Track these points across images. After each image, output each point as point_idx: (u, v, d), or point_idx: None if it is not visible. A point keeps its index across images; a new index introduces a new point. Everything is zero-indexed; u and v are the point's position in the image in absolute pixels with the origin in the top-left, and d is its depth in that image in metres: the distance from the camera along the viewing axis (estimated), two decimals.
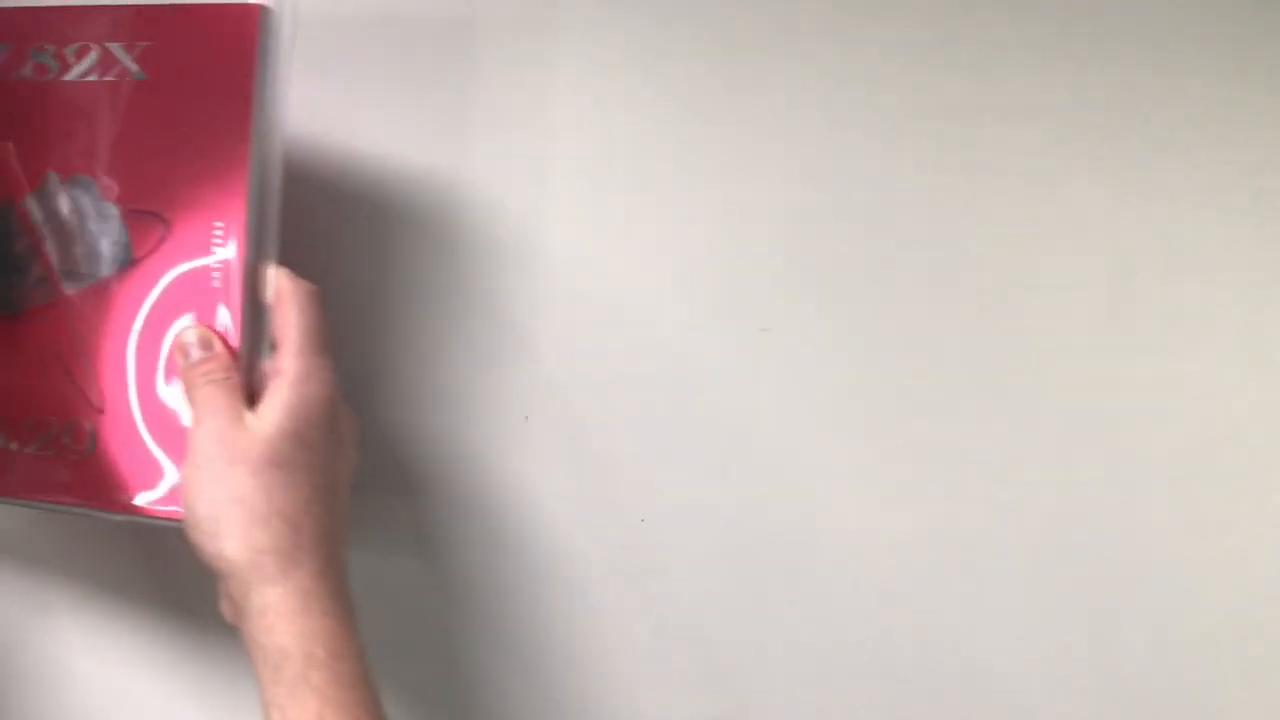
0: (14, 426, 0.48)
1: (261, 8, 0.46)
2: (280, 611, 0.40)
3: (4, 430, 0.48)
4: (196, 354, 0.45)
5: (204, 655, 0.55)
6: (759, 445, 0.54)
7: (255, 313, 0.47)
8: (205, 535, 0.42)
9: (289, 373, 0.44)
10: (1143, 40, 0.52)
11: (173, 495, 0.46)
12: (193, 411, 0.44)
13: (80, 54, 0.48)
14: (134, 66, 0.48)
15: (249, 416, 0.43)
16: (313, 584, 0.41)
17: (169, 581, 0.55)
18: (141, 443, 0.47)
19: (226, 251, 0.47)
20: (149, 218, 0.48)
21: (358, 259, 0.54)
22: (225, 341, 0.46)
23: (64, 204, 0.49)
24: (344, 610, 0.41)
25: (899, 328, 0.53)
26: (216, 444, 0.42)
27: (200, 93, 0.47)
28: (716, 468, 0.54)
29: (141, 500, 0.47)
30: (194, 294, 0.47)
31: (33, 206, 0.49)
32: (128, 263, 0.48)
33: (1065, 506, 0.53)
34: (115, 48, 0.48)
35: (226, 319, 0.46)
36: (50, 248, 0.49)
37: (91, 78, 0.48)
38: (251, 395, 0.45)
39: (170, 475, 0.46)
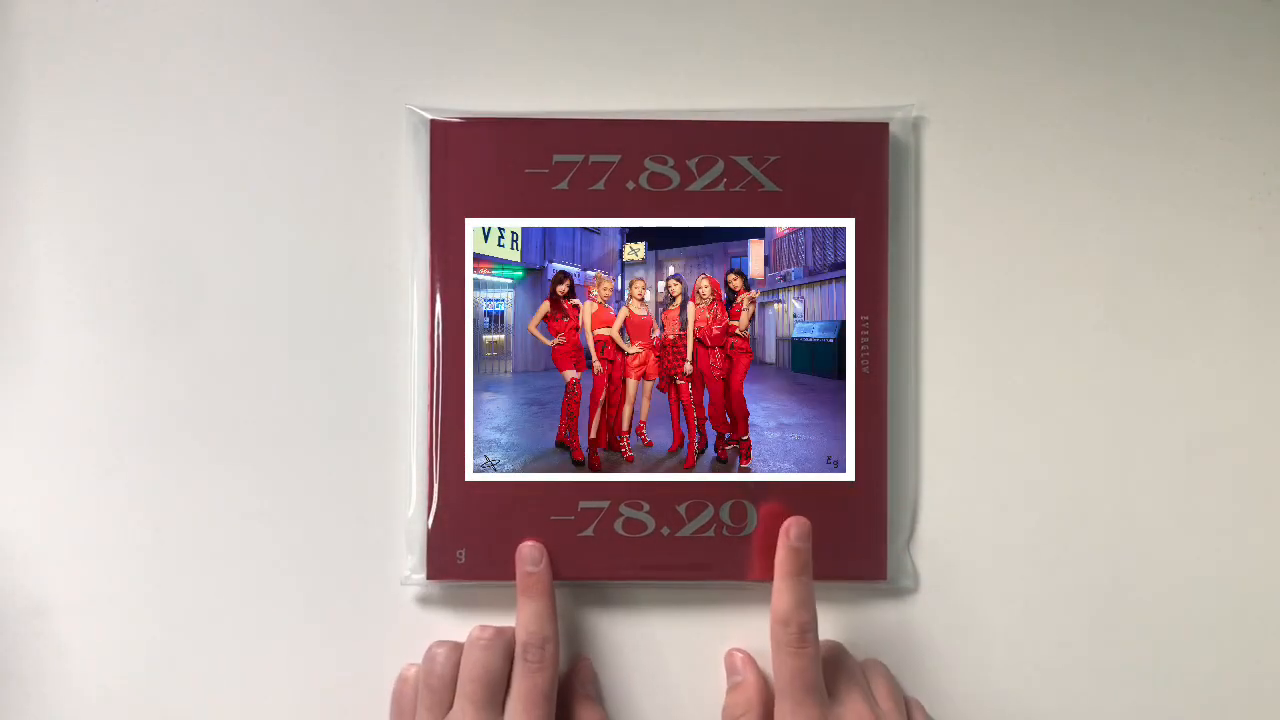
0: None
1: (885, 126, 0.52)
2: None
3: None
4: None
5: None
6: None
7: None
8: None
9: None
10: (1144, 38, 0.54)
11: None
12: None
13: (703, 166, 0.51)
14: (764, 179, 0.51)
15: None
16: None
17: None
18: None
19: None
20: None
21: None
22: None
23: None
24: None
25: None
26: None
27: (831, 205, 0.51)
28: None
29: None
30: None
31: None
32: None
33: (1065, 506, 0.54)
34: (742, 160, 0.51)
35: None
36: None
37: (718, 189, 0.51)
38: None
39: None
